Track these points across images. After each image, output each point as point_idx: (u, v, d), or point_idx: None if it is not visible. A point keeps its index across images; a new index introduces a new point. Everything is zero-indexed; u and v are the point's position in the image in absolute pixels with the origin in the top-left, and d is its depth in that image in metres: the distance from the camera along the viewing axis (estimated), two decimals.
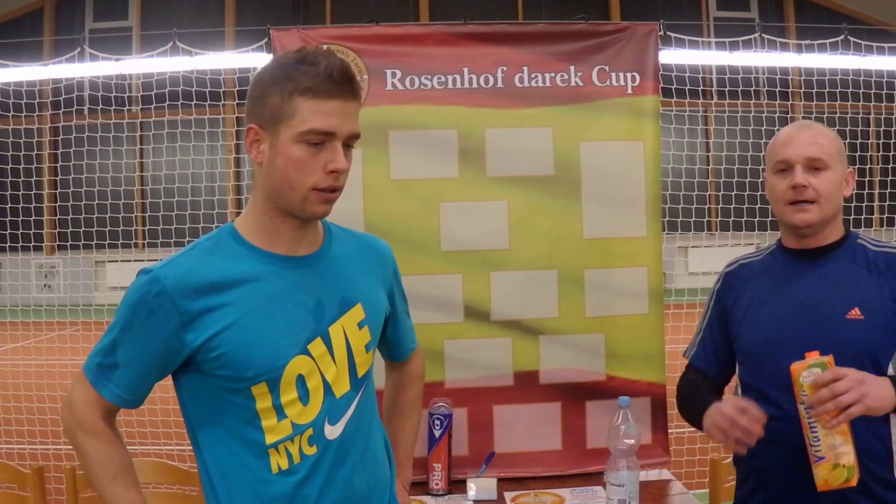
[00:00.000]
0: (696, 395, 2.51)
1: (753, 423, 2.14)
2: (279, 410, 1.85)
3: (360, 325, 1.97)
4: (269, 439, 1.85)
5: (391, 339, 2.28)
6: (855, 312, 2.23)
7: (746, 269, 2.52)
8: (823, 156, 2.28)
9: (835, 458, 2.05)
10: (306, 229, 1.92)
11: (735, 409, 2.17)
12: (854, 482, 2.04)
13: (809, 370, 2.09)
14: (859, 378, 2.05)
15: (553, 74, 3.26)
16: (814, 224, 2.29)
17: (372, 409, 2.07)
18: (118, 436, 1.92)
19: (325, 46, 3.18)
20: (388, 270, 2.17)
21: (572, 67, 3.27)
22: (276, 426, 1.85)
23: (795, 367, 2.11)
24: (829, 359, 2.10)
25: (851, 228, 2.42)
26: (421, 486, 3.11)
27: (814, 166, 2.28)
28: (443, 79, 3.25)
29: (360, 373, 1.98)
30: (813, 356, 2.10)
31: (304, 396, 1.87)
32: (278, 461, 1.87)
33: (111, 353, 1.83)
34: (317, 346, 1.88)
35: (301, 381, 1.86)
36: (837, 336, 2.23)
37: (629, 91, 3.29)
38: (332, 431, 1.91)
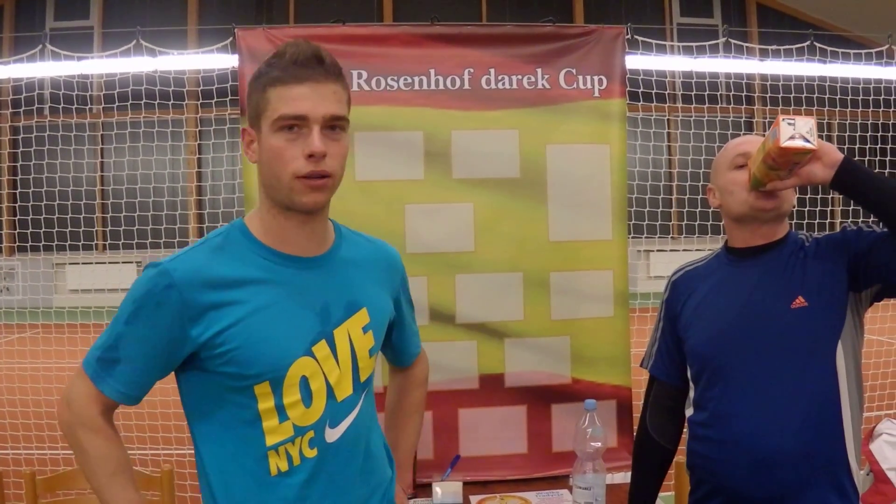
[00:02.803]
0: (641, 472, 2.62)
1: None
2: (281, 411, 1.83)
3: (365, 330, 1.97)
4: (270, 441, 1.84)
5: (397, 345, 2.28)
6: (799, 301, 2.25)
7: (692, 274, 2.54)
8: None
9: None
10: (313, 228, 1.91)
11: None
12: (813, 118, 2.05)
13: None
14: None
15: (520, 77, 3.26)
16: (779, 207, 2.31)
17: (372, 413, 2.07)
18: (117, 433, 1.89)
19: None
20: (397, 277, 2.16)
21: (539, 70, 3.27)
22: (277, 427, 1.84)
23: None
24: None
25: (811, 232, 2.44)
26: None
27: None
28: (409, 80, 3.23)
29: (363, 377, 1.97)
30: None
31: (306, 398, 1.85)
32: (277, 463, 1.85)
33: (114, 347, 1.81)
34: (321, 349, 1.87)
35: (304, 382, 1.85)
36: (784, 327, 2.25)
37: (596, 94, 3.29)
38: (333, 434, 1.90)
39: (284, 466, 1.85)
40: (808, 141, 2.03)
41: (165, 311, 1.76)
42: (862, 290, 2.27)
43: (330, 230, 2.00)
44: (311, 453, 1.87)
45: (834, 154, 2.09)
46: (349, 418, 1.93)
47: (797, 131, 2.02)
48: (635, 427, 3.29)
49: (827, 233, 2.37)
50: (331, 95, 1.80)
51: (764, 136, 2.30)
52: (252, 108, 1.82)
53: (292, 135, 1.77)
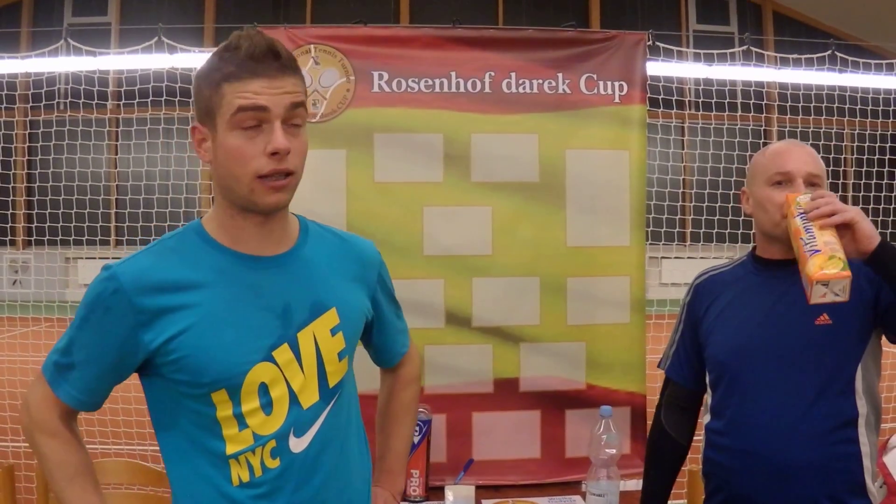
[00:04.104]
0: (654, 469, 2.61)
1: None
2: (240, 419, 1.76)
3: (334, 332, 1.87)
4: (230, 449, 1.77)
5: (378, 345, 2.19)
6: (823, 318, 2.24)
7: (716, 280, 2.52)
8: (821, 173, 2.32)
9: (830, 251, 2.03)
10: (272, 226, 1.82)
11: None
12: (849, 275, 2.01)
13: (805, 194, 2.16)
14: (855, 208, 2.09)
15: (541, 81, 3.25)
16: None
17: (348, 420, 1.96)
18: (77, 436, 1.85)
19: (311, 46, 3.16)
20: (372, 272, 2.05)
21: (560, 74, 3.26)
22: (236, 436, 1.76)
23: (791, 195, 2.18)
24: None
25: None
26: None
27: (812, 182, 2.29)
28: (430, 82, 3.23)
29: (332, 382, 1.87)
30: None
31: (266, 406, 1.77)
32: (239, 473, 1.78)
33: (68, 352, 1.76)
34: (283, 353, 1.79)
35: (264, 389, 1.76)
36: (806, 342, 2.24)
37: (616, 100, 3.28)
38: (298, 444, 1.81)
39: (246, 477, 1.78)
40: (837, 295, 2.02)
41: (114, 316, 1.71)
42: (875, 327, 2.27)
43: (293, 227, 1.91)
44: (273, 464, 1.79)
45: (870, 241, 2.07)
46: (316, 426, 1.84)
47: (830, 289, 2.01)
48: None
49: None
50: (290, 87, 1.72)
51: (799, 142, 2.31)
52: (203, 104, 1.73)
53: (252, 132, 1.69)
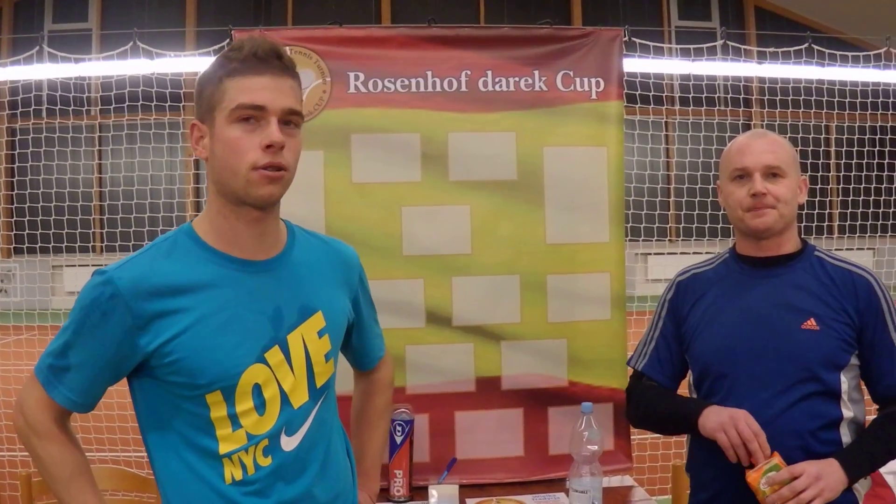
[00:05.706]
0: (669, 398, 2.54)
1: (762, 449, 2.17)
2: (234, 420, 1.81)
3: (321, 334, 1.93)
4: (223, 449, 1.81)
5: (357, 347, 2.23)
6: (811, 323, 2.25)
7: (700, 278, 2.52)
8: (781, 163, 2.31)
9: None
10: (265, 228, 1.88)
11: (753, 430, 2.18)
12: None
13: (766, 476, 2.13)
14: (815, 473, 2.11)
15: (517, 79, 3.25)
16: (773, 228, 2.31)
17: (332, 419, 2.03)
18: (72, 437, 1.88)
19: (287, 48, 3.15)
20: (354, 276, 2.12)
21: (536, 72, 3.26)
22: (230, 435, 1.81)
23: (752, 477, 2.15)
24: (778, 458, 2.15)
25: (809, 236, 2.44)
26: (382, 493, 3.07)
27: (772, 174, 2.30)
28: (406, 82, 3.22)
29: (320, 383, 1.94)
30: (761, 461, 2.16)
31: (260, 406, 1.83)
32: (232, 471, 1.83)
33: (63, 355, 1.80)
34: (274, 355, 1.84)
35: (257, 390, 1.82)
36: (793, 347, 2.25)
37: (593, 96, 3.28)
38: (289, 443, 1.87)
39: (239, 475, 1.83)
40: None
41: (111, 321, 1.74)
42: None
43: (282, 231, 1.96)
44: (265, 461, 1.84)
45: (838, 489, 2.15)
46: (306, 425, 1.90)
47: None
48: (632, 430, 3.30)
49: (868, 278, 2.35)
50: (288, 90, 1.80)
51: (764, 132, 2.31)
52: (205, 101, 1.80)
53: (250, 126, 1.76)
